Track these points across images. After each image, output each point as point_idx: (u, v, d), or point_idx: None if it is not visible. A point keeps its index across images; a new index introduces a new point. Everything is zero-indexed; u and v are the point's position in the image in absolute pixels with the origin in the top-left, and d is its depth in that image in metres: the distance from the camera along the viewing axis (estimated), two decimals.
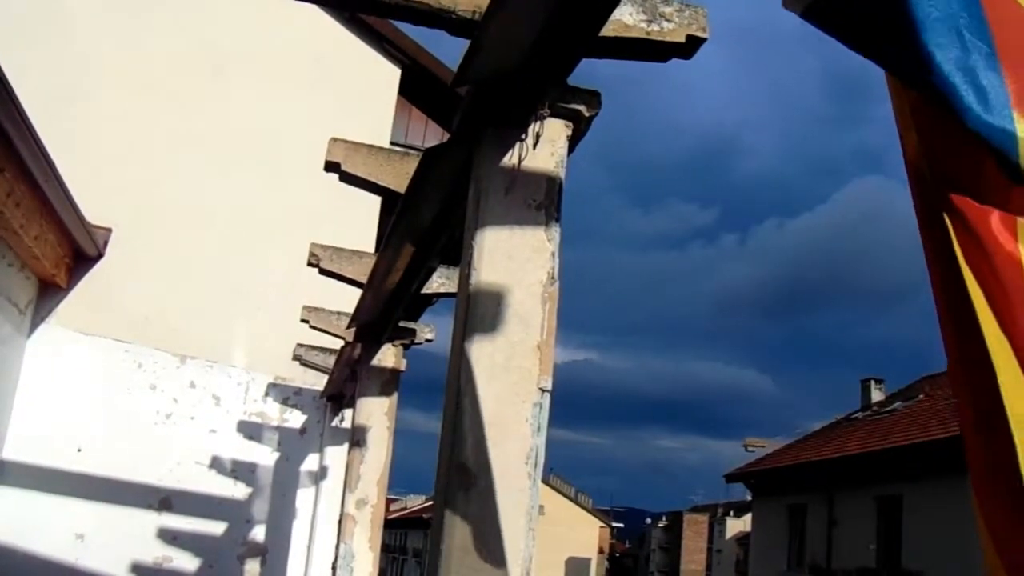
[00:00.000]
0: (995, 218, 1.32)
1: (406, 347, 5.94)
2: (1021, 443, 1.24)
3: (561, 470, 79.38)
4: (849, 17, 1.32)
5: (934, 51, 1.25)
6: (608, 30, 2.45)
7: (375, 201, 7.60)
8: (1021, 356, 1.28)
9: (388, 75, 9.47)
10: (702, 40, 2.57)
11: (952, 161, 1.37)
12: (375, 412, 5.80)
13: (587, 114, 2.71)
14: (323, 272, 5.23)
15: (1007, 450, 1.26)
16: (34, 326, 7.65)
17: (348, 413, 7.32)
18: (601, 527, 71.79)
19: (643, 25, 2.53)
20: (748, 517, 43.61)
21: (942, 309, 1.43)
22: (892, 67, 1.37)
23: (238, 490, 8.15)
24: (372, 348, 5.81)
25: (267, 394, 8.46)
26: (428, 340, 6.02)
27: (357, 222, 8.06)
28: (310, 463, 8.47)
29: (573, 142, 2.75)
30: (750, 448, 30.49)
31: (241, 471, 8.18)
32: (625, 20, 2.51)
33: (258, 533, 8.17)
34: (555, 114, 2.65)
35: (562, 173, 2.68)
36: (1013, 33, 1.33)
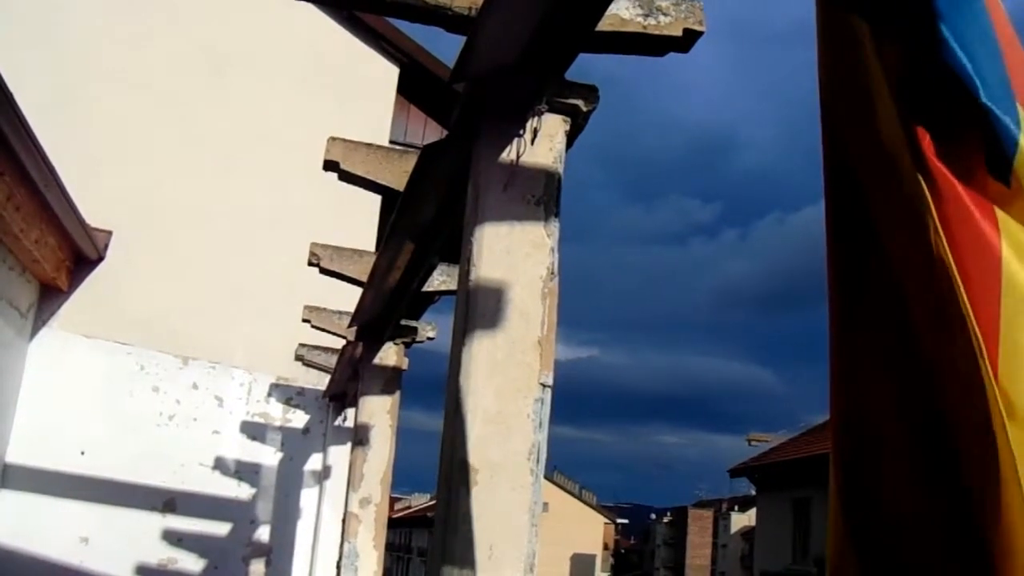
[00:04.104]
0: (975, 200, 1.25)
1: (408, 345, 5.95)
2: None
3: (565, 467, 79.53)
4: None
5: (946, 30, 1.22)
6: (605, 24, 2.44)
7: (375, 200, 7.59)
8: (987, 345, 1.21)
9: (387, 74, 9.47)
10: (699, 34, 2.56)
11: (939, 138, 1.27)
12: (377, 411, 5.80)
13: (585, 109, 2.70)
14: (324, 271, 5.24)
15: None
16: (36, 329, 7.65)
17: (351, 412, 7.32)
18: (606, 523, 71.81)
19: (640, 19, 2.53)
20: (753, 511, 43.63)
21: (842, 295, 1.38)
22: (901, 38, 1.29)
23: (242, 491, 8.15)
24: (374, 347, 5.81)
25: (270, 394, 8.46)
26: (430, 338, 6.03)
27: (357, 221, 8.05)
28: (313, 463, 8.47)
29: (571, 137, 2.75)
30: (753, 443, 30.50)
31: (245, 472, 8.18)
32: (622, 14, 2.51)
33: (262, 533, 8.18)
34: (553, 109, 2.65)
35: (560, 168, 2.67)
36: (1009, 40, 1.32)
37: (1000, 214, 1.25)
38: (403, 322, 5.63)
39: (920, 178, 1.25)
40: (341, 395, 8.10)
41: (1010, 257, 1.24)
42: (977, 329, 1.20)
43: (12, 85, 5.02)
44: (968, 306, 1.21)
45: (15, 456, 7.34)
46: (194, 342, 8.23)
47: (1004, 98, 1.23)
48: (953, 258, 1.22)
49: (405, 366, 5.96)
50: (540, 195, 2.64)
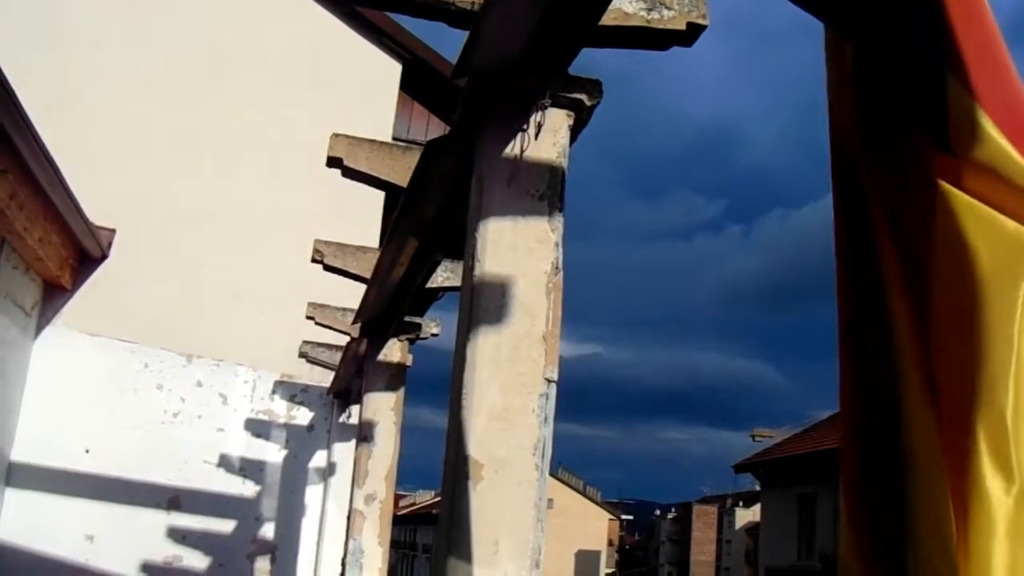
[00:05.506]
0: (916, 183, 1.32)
1: (412, 342, 5.94)
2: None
3: (570, 463, 79.50)
4: None
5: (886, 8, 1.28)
6: (608, 19, 2.43)
7: (378, 196, 7.56)
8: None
9: (389, 70, 9.46)
10: (702, 27, 2.55)
11: (883, 124, 1.37)
12: (382, 407, 5.80)
13: (588, 103, 2.69)
14: (327, 268, 5.23)
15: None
16: (40, 328, 7.66)
17: (355, 409, 7.32)
18: (610, 520, 71.91)
19: (643, 13, 2.52)
20: (757, 507, 43.61)
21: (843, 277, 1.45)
22: (837, 24, 1.38)
23: (247, 488, 8.16)
24: (378, 343, 5.81)
25: (274, 392, 8.47)
26: (434, 334, 6.03)
27: (361, 217, 8.05)
28: (318, 460, 8.48)
29: (575, 132, 2.74)
30: (758, 438, 30.47)
31: (249, 469, 8.19)
32: (625, 8, 2.50)
33: (267, 531, 8.19)
34: (556, 104, 2.64)
35: (564, 163, 2.66)
36: (969, 19, 1.32)
37: (945, 193, 1.28)
38: (407, 318, 5.62)
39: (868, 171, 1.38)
40: (345, 392, 8.10)
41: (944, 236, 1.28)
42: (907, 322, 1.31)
43: (15, 84, 5.02)
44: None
45: (20, 455, 7.35)
46: (198, 340, 8.23)
47: (935, 68, 1.27)
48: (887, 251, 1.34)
49: (409, 362, 5.95)
50: (544, 190, 2.63)
